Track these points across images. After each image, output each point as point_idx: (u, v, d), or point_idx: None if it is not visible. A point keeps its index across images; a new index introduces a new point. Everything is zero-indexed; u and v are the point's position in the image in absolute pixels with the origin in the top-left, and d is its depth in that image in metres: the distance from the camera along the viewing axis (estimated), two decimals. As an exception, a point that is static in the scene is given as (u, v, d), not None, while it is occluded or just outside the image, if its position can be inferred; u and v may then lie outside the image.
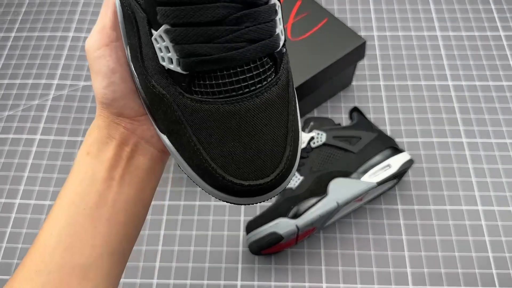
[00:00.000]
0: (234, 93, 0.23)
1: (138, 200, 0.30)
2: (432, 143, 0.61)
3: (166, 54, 0.23)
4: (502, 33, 0.71)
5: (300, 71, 0.57)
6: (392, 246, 0.54)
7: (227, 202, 0.25)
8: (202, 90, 0.24)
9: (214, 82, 0.23)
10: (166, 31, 0.23)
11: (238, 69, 0.23)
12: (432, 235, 0.55)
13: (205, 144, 0.24)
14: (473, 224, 0.55)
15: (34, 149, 0.63)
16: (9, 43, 0.74)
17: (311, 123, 0.56)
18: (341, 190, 0.51)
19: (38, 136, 0.64)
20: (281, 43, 0.24)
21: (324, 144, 0.54)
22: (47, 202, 0.59)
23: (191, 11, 0.21)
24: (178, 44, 0.23)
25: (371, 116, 0.64)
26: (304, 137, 0.55)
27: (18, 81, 0.70)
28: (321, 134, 0.54)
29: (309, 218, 0.49)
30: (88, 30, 0.75)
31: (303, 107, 0.63)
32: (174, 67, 0.23)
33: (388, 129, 0.63)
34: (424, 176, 0.59)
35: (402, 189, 0.58)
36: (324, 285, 0.52)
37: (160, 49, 0.24)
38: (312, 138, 0.54)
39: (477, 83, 0.66)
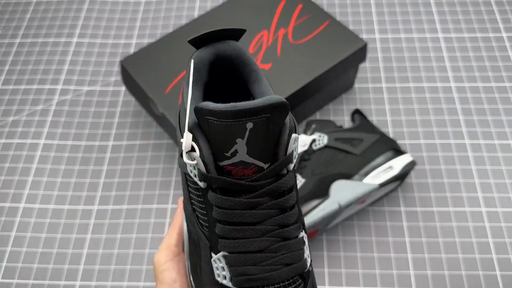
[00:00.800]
0: None
1: None
2: (434, 145, 0.61)
3: (222, 272, 0.29)
4: (504, 34, 0.71)
5: (302, 74, 0.57)
6: (395, 248, 0.54)
7: None
8: None
9: None
10: (224, 256, 0.29)
11: (276, 285, 0.29)
12: (435, 237, 0.54)
13: None
14: (476, 226, 0.55)
15: (38, 153, 0.64)
16: (14, 49, 0.75)
17: (313, 126, 0.56)
18: (343, 192, 0.51)
19: (42, 141, 0.65)
20: (308, 264, 0.30)
21: (325, 146, 0.54)
22: (51, 206, 0.59)
23: (243, 244, 0.28)
24: (232, 266, 0.29)
25: (373, 118, 0.64)
26: (306, 140, 0.55)
27: (22, 87, 0.70)
28: (323, 137, 0.54)
29: (311, 220, 0.49)
30: (92, 36, 0.76)
31: (306, 110, 0.63)
32: (226, 282, 0.29)
33: (390, 131, 0.63)
34: (427, 178, 0.59)
35: (405, 191, 0.58)
36: (327, 287, 0.52)
37: (217, 268, 0.30)
38: (314, 140, 0.54)
39: (479, 84, 0.66)
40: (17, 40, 0.76)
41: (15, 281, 0.54)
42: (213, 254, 0.30)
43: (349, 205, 0.51)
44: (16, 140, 0.65)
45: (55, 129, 0.66)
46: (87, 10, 0.80)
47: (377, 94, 0.66)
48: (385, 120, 0.64)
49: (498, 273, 0.52)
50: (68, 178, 0.61)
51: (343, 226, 0.56)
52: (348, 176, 0.52)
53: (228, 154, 0.27)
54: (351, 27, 0.74)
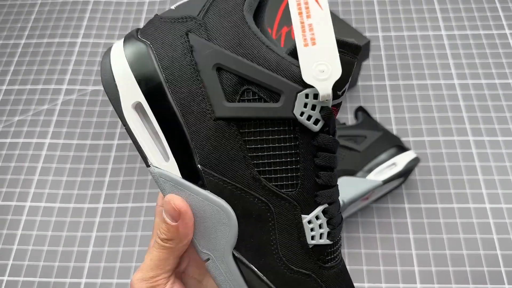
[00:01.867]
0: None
1: None
2: (438, 142, 0.61)
3: (318, 231, 0.26)
4: (507, 31, 0.71)
5: (305, 72, 0.57)
6: (399, 245, 0.54)
7: None
8: (332, 257, 0.27)
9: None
10: (324, 210, 0.26)
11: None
12: (439, 233, 0.54)
13: None
14: (480, 222, 0.55)
15: (44, 152, 0.64)
16: (19, 50, 0.76)
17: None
18: (346, 188, 0.51)
19: (47, 140, 0.65)
20: None
21: (329, 143, 0.54)
22: (57, 205, 0.59)
23: (337, 190, 0.27)
24: (332, 218, 0.27)
25: (377, 116, 0.64)
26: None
27: (28, 87, 0.71)
28: (327, 134, 0.54)
29: (315, 216, 0.49)
30: (96, 36, 0.77)
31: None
32: (323, 241, 0.27)
33: (394, 128, 0.63)
34: (431, 174, 0.59)
35: (409, 187, 0.58)
36: (331, 284, 0.52)
37: (312, 229, 0.26)
38: (318, 137, 0.55)
39: (483, 81, 0.66)
40: (22, 41, 0.77)
41: (22, 278, 0.54)
42: (304, 216, 0.26)
43: (353, 201, 0.51)
44: (22, 139, 0.65)
45: (60, 128, 0.66)
46: (92, 10, 0.80)
47: (380, 91, 0.67)
48: (389, 117, 0.64)
49: (502, 269, 0.52)
50: (74, 176, 0.62)
51: (347, 222, 0.56)
52: (351, 172, 0.52)
53: (340, 93, 0.25)
54: (354, 26, 0.74)
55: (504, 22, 0.72)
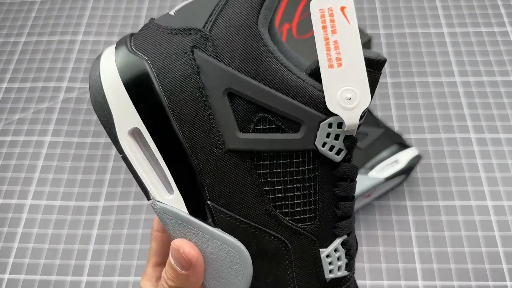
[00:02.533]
0: None
1: None
2: (440, 139, 0.61)
3: (337, 264, 0.25)
4: (509, 29, 0.71)
5: (306, 69, 0.57)
6: (401, 243, 0.54)
7: None
8: (347, 285, 0.26)
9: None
10: (343, 242, 0.25)
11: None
12: (441, 231, 0.54)
13: None
14: (482, 220, 0.55)
15: (44, 151, 0.64)
16: (20, 48, 0.75)
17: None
18: (348, 186, 0.51)
19: (48, 138, 0.65)
20: None
21: (330, 141, 0.54)
22: (58, 203, 0.59)
23: (353, 219, 0.25)
24: (349, 249, 0.25)
25: (378, 114, 0.64)
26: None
27: (28, 85, 0.71)
28: (328, 131, 0.54)
29: (317, 214, 0.49)
30: (97, 34, 0.76)
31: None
32: (341, 273, 0.25)
33: (395, 126, 0.63)
34: (432, 172, 0.59)
35: (411, 185, 0.58)
36: (333, 281, 0.52)
37: (330, 262, 0.25)
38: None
39: (484, 78, 0.66)
40: (23, 39, 0.77)
41: (23, 276, 0.54)
42: (322, 250, 0.25)
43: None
44: (22, 137, 0.65)
45: (61, 126, 0.66)
46: (92, 8, 0.80)
47: (382, 89, 0.66)
48: (390, 115, 0.64)
49: (504, 266, 0.52)
50: (74, 175, 0.62)
51: (348, 220, 0.56)
52: (353, 170, 0.52)
53: (362, 114, 0.22)
54: (355, 23, 0.74)
55: (506, 20, 0.72)
